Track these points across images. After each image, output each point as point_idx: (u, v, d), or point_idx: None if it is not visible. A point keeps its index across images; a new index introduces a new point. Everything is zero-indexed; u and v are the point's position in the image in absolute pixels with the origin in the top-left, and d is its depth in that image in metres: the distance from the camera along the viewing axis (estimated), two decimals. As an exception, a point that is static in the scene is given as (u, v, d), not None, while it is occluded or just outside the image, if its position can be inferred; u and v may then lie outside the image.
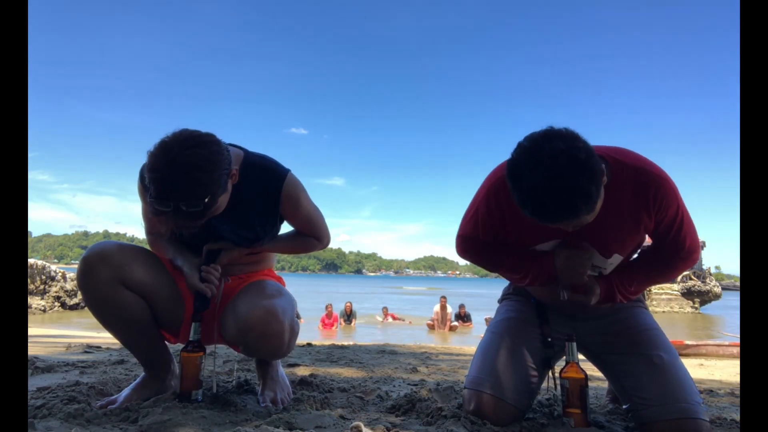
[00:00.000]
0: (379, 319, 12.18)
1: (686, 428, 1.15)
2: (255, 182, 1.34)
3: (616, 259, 1.30)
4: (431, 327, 10.57)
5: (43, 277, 11.46)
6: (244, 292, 1.37)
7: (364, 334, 9.44)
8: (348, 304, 11.26)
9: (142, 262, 1.33)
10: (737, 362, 4.98)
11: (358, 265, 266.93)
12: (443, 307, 10.63)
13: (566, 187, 1.00)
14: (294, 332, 1.36)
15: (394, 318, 11.98)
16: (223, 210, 1.24)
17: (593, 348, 1.39)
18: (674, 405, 1.18)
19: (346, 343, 4.56)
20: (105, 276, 1.25)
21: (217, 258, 1.38)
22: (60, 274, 11.88)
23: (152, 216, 1.15)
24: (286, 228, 1.52)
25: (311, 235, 1.50)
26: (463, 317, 11.23)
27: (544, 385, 1.39)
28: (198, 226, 1.18)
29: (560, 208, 1.02)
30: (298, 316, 1.52)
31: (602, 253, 1.27)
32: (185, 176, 1.08)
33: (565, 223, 1.07)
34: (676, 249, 1.27)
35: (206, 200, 1.12)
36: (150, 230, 1.42)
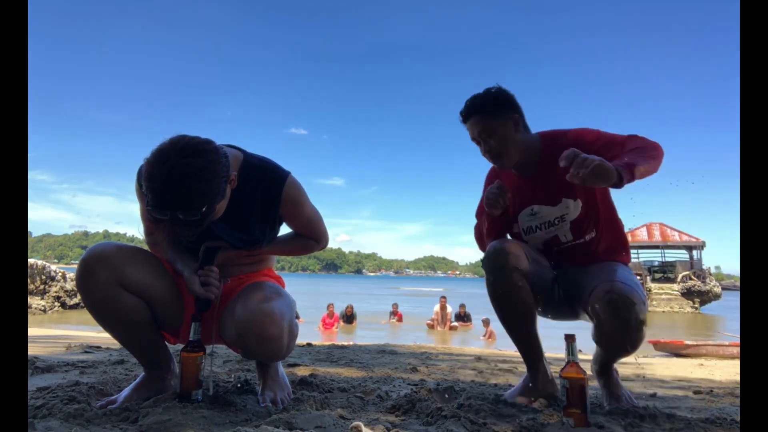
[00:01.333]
0: (387, 316, 12.14)
1: (619, 290, 1.31)
2: (255, 185, 1.33)
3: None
4: (431, 327, 10.56)
5: (43, 277, 11.46)
6: (243, 294, 1.36)
7: (364, 335, 9.44)
8: (349, 306, 11.23)
9: (142, 264, 1.32)
10: (737, 362, 4.98)
11: (358, 265, 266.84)
12: (443, 308, 10.61)
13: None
14: (293, 334, 1.35)
15: (399, 319, 11.92)
16: (223, 212, 1.24)
17: (570, 287, 1.58)
18: (612, 279, 1.37)
19: (346, 343, 4.56)
20: (104, 278, 1.24)
21: (214, 258, 1.37)
22: (60, 274, 11.88)
23: (149, 221, 1.14)
24: (284, 230, 1.52)
25: (310, 237, 1.49)
26: (463, 317, 11.22)
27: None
28: (196, 234, 1.18)
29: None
30: (298, 317, 1.52)
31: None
32: (182, 186, 1.07)
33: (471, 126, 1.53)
34: (635, 140, 1.45)
35: (203, 209, 1.11)
36: (148, 232, 1.42)
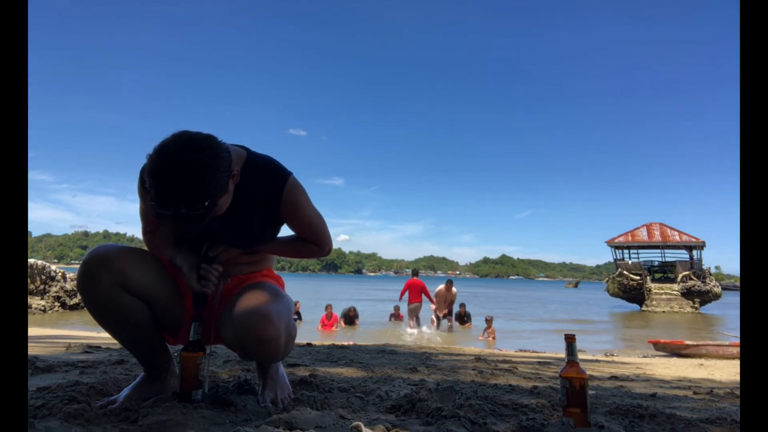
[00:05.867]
0: (388, 317, 12.13)
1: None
2: (257, 183, 1.33)
3: None
4: (433, 322, 10.54)
5: (43, 277, 11.46)
6: (241, 295, 1.35)
7: (364, 335, 9.44)
8: (351, 308, 11.18)
9: (143, 265, 1.32)
10: (737, 362, 4.98)
11: (358, 265, 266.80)
12: (448, 289, 10.39)
13: None
14: (291, 336, 1.35)
15: (400, 319, 11.91)
16: (224, 210, 1.24)
17: None
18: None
19: (346, 343, 4.56)
20: (105, 280, 1.24)
21: (218, 255, 1.37)
22: (60, 274, 11.87)
23: (152, 216, 1.15)
24: (286, 232, 1.51)
25: (311, 241, 1.48)
26: (463, 317, 11.20)
27: (545, 384, 1.39)
28: (199, 229, 1.18)
29: None
30: (299, 317, 1.51)
31: None
32: (185, 181, 1.08)
33: None
34: None
35: (206, 204, 1.12)
36: (147, 229, 1.42)
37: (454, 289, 10.47)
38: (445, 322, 10.51)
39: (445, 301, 10.43)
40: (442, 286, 10.49)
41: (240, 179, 1.28)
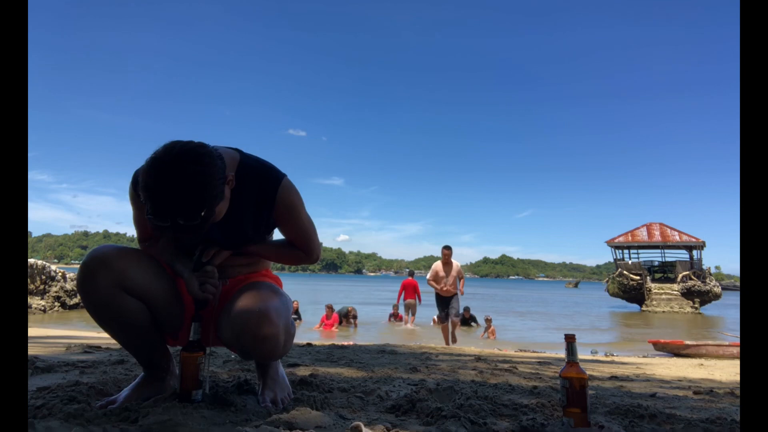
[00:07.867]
0: (387, 317, 12.19)
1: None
2: (250, 186, 1.33)
3: None
4: (436, 322, 10.52)
5: (43, 277, 11.46)
6: (239, 295, 1.35)
7: (364, 335, 9.44)
8: (351, 308, 11.29)
9: (143, 266, 1.32)
10: (737, 362, 4.99)
11: (358, 265, 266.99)
12: (446, 261, 7.19)
13: None
14: (289, 334, 1.35)
15: (400, 320, 11.94)
16: (222, 216, 1.24)
17: None
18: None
19: (346, 343, 4.56)
20: (106, 282, 1.24)
21: (211, 259, 1.37)
22: (60, 274, 11.87)
23: (150, 228, 1.15)
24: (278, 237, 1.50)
25: (300, 247, 1.47)
26: (468, 320, 11.18)
27: (545, 384, 1.39)
28: (198, 238, 1.17)
29: None
30: (299, 317, 1.51)
31: None
32: (181, 192, 1.08)
33: None
34: None
35: (203, 213, 1.12)
36: (142, 237, 1.43)
37: (454, 261, 7.26)
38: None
39: (444, 277, 7.24)
40: (437, 261, 7.36)
41: (235, 182, 1.28)
